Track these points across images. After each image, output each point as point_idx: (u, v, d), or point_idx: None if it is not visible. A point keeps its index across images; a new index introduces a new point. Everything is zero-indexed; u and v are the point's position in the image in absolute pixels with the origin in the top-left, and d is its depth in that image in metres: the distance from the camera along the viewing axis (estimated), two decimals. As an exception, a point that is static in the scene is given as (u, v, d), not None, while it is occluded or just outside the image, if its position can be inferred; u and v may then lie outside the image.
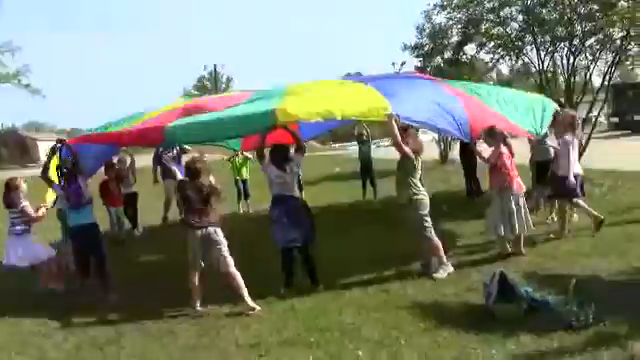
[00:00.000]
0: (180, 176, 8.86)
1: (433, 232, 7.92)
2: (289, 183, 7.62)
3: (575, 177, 9.18)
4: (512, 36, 14.78)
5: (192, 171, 7.39)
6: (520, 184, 8.36)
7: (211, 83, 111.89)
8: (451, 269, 7.88)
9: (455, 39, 20.17)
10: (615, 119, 34.76)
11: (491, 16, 15.05)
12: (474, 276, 7.62)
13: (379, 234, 10.56)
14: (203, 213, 7.20)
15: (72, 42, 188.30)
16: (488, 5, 14.98)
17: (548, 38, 14.02)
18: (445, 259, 7.95)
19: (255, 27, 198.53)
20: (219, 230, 7.28)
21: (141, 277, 9.34)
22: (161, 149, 13.15)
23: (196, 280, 7.28)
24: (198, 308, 7.29)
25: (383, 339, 5.85)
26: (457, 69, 20.07)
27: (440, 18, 18.01)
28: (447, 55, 20.56)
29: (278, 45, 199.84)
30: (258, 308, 7.07)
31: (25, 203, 8.57)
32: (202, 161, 7.59)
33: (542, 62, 14.51)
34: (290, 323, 6.60)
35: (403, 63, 75.18)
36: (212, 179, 7.56)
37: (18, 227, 8.55)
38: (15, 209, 8.52)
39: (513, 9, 14.66)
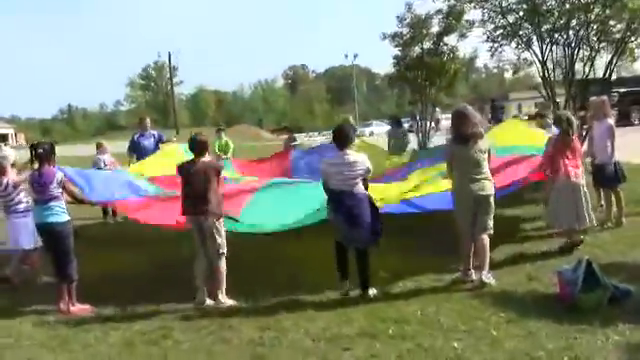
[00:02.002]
0: None
1: None
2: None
3: (615, 164, 9.10)
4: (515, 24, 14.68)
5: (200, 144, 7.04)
6: (577, 173, 7.92)
7: (156, 72, 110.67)
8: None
9: (436, 29, 20.21)
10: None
11: (489, 4, 14.91)
12: (527, 266, 7.45)
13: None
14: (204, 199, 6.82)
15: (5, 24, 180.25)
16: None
17: (548, 27, 13.98)
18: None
19: (197, 16, 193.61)
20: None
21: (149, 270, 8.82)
22: (137, 135, 12.99)
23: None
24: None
25: (472, 330, 5.56)
26: (438, 59, 20.07)
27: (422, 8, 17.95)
28: (427, 45, 20.55)
29: (221, 36, 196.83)
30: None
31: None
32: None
33: (542, 53, 14.46)
34: (356, 315, 6.22)
35: (356, 55, 76.15)
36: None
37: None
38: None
39: None
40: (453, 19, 19.57)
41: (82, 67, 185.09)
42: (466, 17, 18.28)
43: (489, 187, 7.03)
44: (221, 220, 6.99)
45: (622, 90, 29.98)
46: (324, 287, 7.07)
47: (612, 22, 13.45)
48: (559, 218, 7.93)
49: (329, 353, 5.36)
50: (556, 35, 13.99)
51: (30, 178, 7.40)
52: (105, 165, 12.97)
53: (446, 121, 22.22)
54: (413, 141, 21.86)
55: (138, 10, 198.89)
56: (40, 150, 7.31)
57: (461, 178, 6.99)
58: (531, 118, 17.66)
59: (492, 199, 7.02)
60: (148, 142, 12.81)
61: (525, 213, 10.46)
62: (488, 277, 6.81)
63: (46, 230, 7.28)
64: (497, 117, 40.48)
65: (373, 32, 46.56)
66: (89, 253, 8.63)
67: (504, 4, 14.68)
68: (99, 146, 13.72)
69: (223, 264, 6.95)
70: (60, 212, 7.25)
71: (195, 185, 6.86)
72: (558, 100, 14.98)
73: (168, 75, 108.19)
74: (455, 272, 7.32)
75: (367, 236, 6.75)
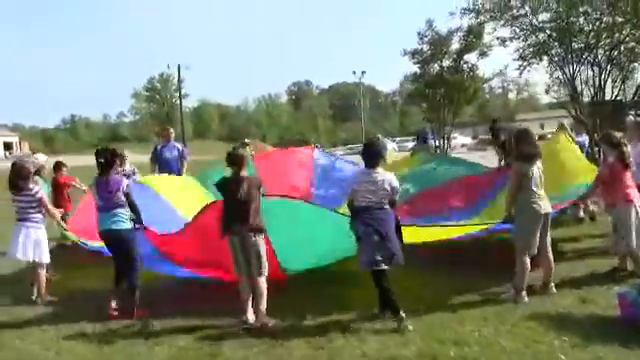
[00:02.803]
0: None
1: None
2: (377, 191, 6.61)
3: None
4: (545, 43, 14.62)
5: (240, 159, 6.85)
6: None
7: (161, 84, 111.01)
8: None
9: (456, 46, 20.22)
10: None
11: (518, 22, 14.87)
12: (576, 288, 7.27)
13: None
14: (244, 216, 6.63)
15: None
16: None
17: (578, 46, 13.92)
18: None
19: (202, 30, 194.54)
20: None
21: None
22: (160, 146, 12.76)
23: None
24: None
25: (536, 353, 5.39)
26: (460, 76, 20.08)
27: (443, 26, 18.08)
28: (447, 63, 20.56)
29: (225, 50, 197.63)
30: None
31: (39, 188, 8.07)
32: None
33: (573, 73, 14.39)
34: (411, 336, 6.03)
35: (364, 72, 76.38)
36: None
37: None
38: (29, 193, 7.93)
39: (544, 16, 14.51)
40: (474, 37, 19.61)
41: (85, 78, 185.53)
42: (496, 34, 18.12)
43: (550, 206, 7.08)
44: (262, 237, 6.82)
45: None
46: (372, 307, 6.84)
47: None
48: (633, 242, 7.55)
49: (393, 375, 5.19)
50: (585, 54, 13.91)
51: (95, 184, 7.31)
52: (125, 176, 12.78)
53: (454, 140, 21.95)
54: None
55: (143, 22, 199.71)
56: (105, 156, 7.29)
57: (530, 196, 6.93)
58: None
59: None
60: (170, 154, 12.60)
61: (561, 234, 10.28)
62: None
63: (112, 237, 7.23)
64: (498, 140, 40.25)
65: (378, 49, 46.80)
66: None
67: (535, 22, 14.63)
68: None
69: (264, 282, 6.78)
70: (126, 219, 7.23)
71: (238, 201, 6.68)
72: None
73: (174, 87, 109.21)
74: (495, 293, 7.24)
75: (396, 251, 6.48)
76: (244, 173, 6.84)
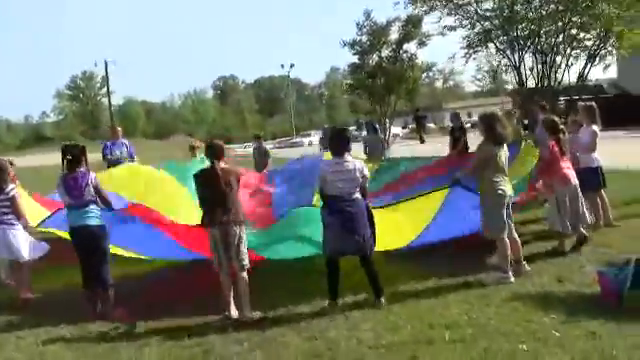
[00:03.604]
0: None
1: None
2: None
3: (596, 169, 9.33)
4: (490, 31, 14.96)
5: (218, 149, 6.79)
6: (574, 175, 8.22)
7: (85, 82, 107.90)
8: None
9: (395, 36, 20.43)
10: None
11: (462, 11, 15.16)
12: (550, 267, 7.54)
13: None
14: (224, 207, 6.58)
15: None
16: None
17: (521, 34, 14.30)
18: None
19: (122, 27, 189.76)
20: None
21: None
22: (109, 143, 13.16)
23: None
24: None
25: (530, 332, 5.51)
26: (399, 65, 20.31)
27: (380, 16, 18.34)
28: (385, 52, 20.77)
29: (148, 45, 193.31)
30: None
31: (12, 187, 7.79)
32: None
33: (519, 60, 14.78)
34: (399, 322, 6.09)
35: (292, 65, 76.23)
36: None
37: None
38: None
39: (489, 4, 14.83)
40: (412, 26, 19.87)
41: (4, 78, 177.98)
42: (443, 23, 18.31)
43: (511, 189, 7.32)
44: (244, 229, 6.76)
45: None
46: (347, 294, 6.95)
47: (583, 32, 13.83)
48: (568, 220, 8.07)
49: (399, 362, 5.22)
50: (528, 42, 14.32)
51: (63, 182, 7.03)
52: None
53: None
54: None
55: (63, 21, 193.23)
56: (73, 153, 7.07)
57: (497, 179, 7.09)
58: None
59: None
60: (120, 152, 12.96)
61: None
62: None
63: (85, 233, 6.98)
64: (422, 128, 41.05)
65: (303, 43, 46.91)
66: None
67: (479, 11, 14.95)
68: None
69: (246, 277, 6.70)
70: (99, 215, 7.06)
71: (218, 192, 6.58)
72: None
73: (97, 85, 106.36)
74: (461, 274, 7.42)
75: (361, 243, 6.59)
76: (222, 164, 6.75)
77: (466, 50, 15.46)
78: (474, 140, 9.05)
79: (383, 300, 6.66)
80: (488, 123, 7.30)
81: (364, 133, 16.52)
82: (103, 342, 6.27)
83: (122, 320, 6.82)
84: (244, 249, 6.68)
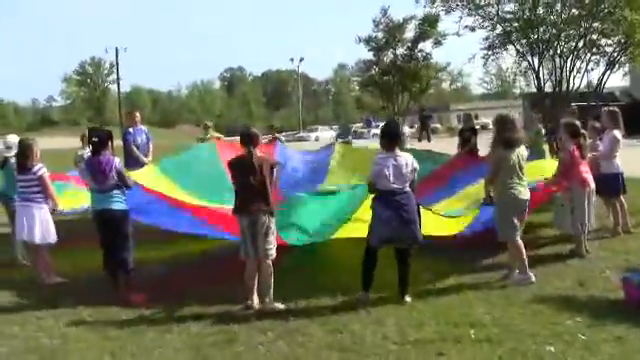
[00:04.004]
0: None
1: None
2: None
3: (617, 175, 9.30)
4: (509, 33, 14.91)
5: (254, 137, 6.76)
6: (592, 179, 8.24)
7: (93, 68, 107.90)
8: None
9: (410, 35, 20.40)
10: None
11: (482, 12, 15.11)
12: (569, 270, 7.56)
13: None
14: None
15: None
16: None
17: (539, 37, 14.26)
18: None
19: (132, 14, 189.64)
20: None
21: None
22: (130, 128, 12.38)
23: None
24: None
25: (556, 334, 5.49)
26: (414, 64, 20.28)
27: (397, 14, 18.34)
28: (400, 51, 20.75)
29: (155, 34, 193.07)
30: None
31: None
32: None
33: (540, 63, 14.74)
34: (423, 319, 6.09)
35: (302, 59, 76.03)
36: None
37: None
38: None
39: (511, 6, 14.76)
40: (428, 25, 19.84)
41: (12, 62, 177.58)
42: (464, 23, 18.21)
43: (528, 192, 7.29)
44: (273, 220, 6.76)
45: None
46: (378, 290, 6.88)
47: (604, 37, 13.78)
48: (579, 222, 8.09)
49: (425, 359, 5.22)
50: (548, 46, 14.27)
51: (88, 165, 7.09)
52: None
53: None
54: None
55: (72, 6, 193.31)
56: (100, 136, 7.13)
57: (511, 183, 7.07)
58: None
59: None
60: (141, 138, 12.32)
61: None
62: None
63: (107, 217, 7.04)
64: (426, 128, 40.95)
65: (311, 38, 46.82)
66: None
67: (500, 13, 14.89)
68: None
69: (271, 266, 6.70)
70: (123, 200, 7.12)
71: (250, 180, 6.58)
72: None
73: (105, 72, 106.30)
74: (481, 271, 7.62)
75: (417, 233, 6.64)
76: (258, 152, 6.74)
77: (486, 51, 15.44)
78: (484, 142, 9.08)
79: (408, 298, 6.66)
80: (497, 126, 7.37)
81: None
82: (125, 326, 6.27)
83: (142, 305, 6.83)
84: (272, 239, 6.68)
